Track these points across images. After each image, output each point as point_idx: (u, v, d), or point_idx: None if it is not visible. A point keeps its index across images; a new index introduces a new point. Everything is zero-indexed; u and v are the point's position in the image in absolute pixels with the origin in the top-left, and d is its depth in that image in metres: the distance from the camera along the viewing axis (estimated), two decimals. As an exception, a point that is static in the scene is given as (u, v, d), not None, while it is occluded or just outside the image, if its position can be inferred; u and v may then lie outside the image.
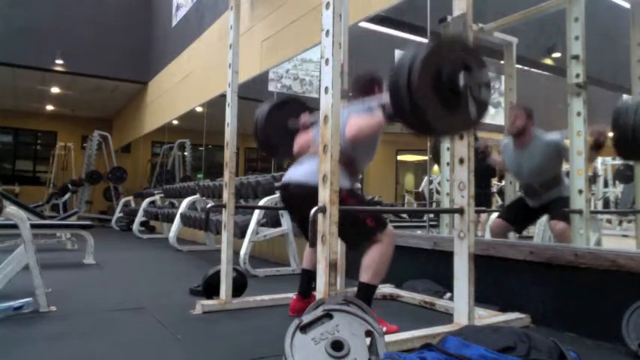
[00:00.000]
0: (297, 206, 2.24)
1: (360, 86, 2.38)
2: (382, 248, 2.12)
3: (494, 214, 4.25)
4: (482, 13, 3.78)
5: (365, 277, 2.11)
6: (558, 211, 2.94)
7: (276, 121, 2.66)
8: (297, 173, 2.24)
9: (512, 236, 3.39)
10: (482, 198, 4.60)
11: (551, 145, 3.04)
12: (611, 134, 2.53)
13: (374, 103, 2.18)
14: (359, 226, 2.11)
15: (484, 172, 4.25)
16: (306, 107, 2.74)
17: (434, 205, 5.61)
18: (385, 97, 2.09)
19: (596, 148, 2.84)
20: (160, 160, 10.76)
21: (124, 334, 2.15)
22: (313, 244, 1.74)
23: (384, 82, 2.36)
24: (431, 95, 1.62)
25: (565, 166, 3.12)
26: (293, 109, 2.68)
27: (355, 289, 2.18)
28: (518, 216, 3.27)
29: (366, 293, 2.10)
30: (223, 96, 2.76)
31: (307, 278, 2.47)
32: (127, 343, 2.03)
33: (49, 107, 11.91)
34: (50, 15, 8.62)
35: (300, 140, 2.48)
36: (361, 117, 2.10)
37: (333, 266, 1.68)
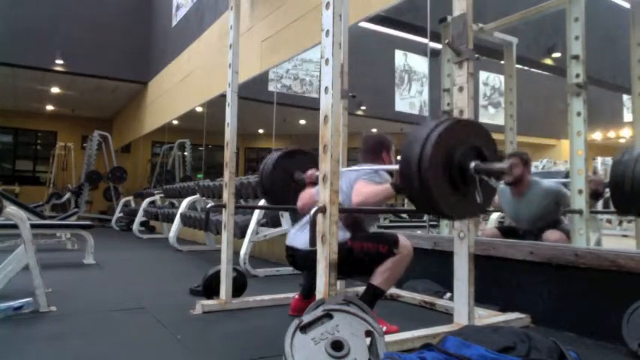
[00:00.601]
0: (304, 267, 2.34)
1: (368, 148, 2.40)
2: (399, 259, 2.13)
3: (494, 215, 4.25)
4: (482, 13, 3.78)
5: (377, 280, 2.11)
6: (552, 223, 2.94)
7: (283, 171, 2.67)
8: (299, 241, 2.24)
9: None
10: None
11: (549, 193, 3.04)
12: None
13: (383, 172, 2.21)
14: (376, 257, 2.12)
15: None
16: (314, 160, 2.75)
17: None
18: (394, 166, 2.14)
19: (594, 197, 2.85)
20: (160, 160, 10.76)
21: (124, 334, 2.15)
22: (313, 244, 1.74)
23: (391, 146, 2.41)
24: (440, 176, 1.61)
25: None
26: (301, 161, 2.69)
27: (355, 289, 2.18)
28: (515, 232, 3.23)
29: (373, 295, 2.10)
30: (223, 96, 2.76)
31: (312, 278, 2.46)
32: (126, 343, 2.03)
33: (49, 107, 11.92)
34: (50, 15, 8.62)
35: (304, 197, 2.48)
36: (369, 185, 2.12)
37: (333, 266, 1.68)
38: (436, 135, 1.59)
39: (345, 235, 2.11)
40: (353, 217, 2.23)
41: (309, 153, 2.79)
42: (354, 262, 2.08)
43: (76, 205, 9.55)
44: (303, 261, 2.21)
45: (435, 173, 1.59)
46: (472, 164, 1.63)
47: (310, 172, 2.57)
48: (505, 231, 3.32)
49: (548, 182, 3.10)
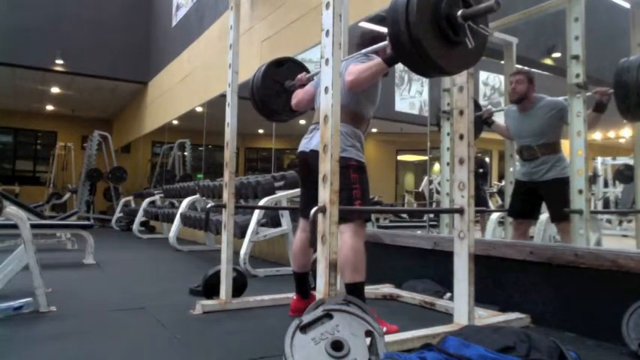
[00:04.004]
0: (310, 173, 2.21)
1: (365, 42, 2.37)
2: (352, 241, 2.07)
3: (494, 215, 4.25)
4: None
5: (347, 277, 2.07)
6: (558, 210, 2.90)
7: (273, 82, 2.66)
8: (312, 144, 2.24)
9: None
10: (475, 200, 4.60)
11: (554, 105, 3.00)
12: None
13: (371, 49, 2.19)
14: (346, 200, 2.05)
15: (475, 175, 4.25)
16: (303, 68, 2.77)
17: (434, 205, 5.61)
18: (384, 42, 2.09)
19: (598, 109, 2.79)
20: (160, 160, 10.76)
21: (124, 334, 2.15)
22: (313, 244, 1.74)
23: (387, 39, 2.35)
24: (430, 29, 1.61)
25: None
26: (290, 70, 2.69)
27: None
28: (523, 205, 3.17)
29: (356, 291, 2.04)
30: (223, 96, 2.76)
31: (300, 280, 2.46)
32: (126, 343, 2.02)
33: (49, 107, 11.92)
34: (50, 15, 8.62)
35: (298, 94, 2.51)
36: (359, 63, 2.09)
37: (333, 266, 1.68)
38: None
39: (352, 151, 2.13)
40: (353, 109, 2.17)
41: (298, 61, 2.82)
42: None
43: (87, 204, 9.62)
44: (311, 160, 2.18)
45: (424, 27, 1.59)
46: (459, 11, 1.64)
47: (300, 75, 2.59)
48: (514, 209, 3.24)
49: (553, 98, 3.07)
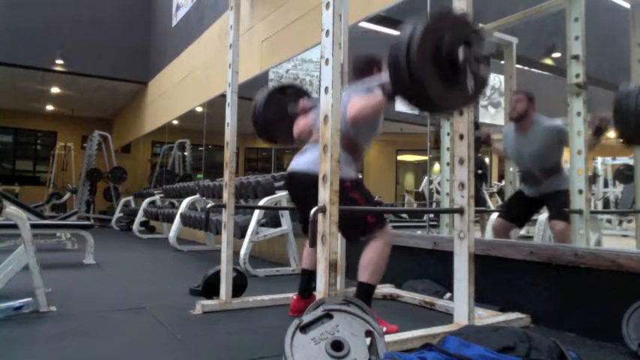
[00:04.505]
0: (302, 195, 2.25)
1: (359, 68, 2.37)
2: (380, 246, 2.12)
3: (494, 215, 4.24)
4: (482, 13, 3.78)
5: (364, 276, 2.11)
6: (558, 210, 2.93)
7: (275, 107, 2.65)
8: (301, 162, 2.25)
9: (514, 235, 3.38)
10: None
11: (552, 130, 3.01)
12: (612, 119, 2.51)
13: (373, 84, 2.17)
14: (359, 221, 2.11)
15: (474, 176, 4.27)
16: (305, 93, 2.75)
17: (434, 205, 5.61)
18: (385, 76, 2.10)
19: (597, 133, 2.82)
20: (160, 160, 10.76)
21: (124, 334, 2.15)
22: (313, 244, 1.74)
23: (382, 64, 2.34)
24: (430, 69, 1.62)
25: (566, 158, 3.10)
26: (292, 95, 2.68)
27: (355, 289, 2.18)
28: (519, 211, 3.24)
29: (366, 293, 2.10)
30: (223, 96, 2.76)
31: (307, 278, 2.47)
32: (126, 343, 2.02)
33: (49, 107, 11.92)
34: (50, 15, 8.62)
35: (299, 124, 2.49)
36: (362, 97, 2.10)
37: (333, 266, 1.68)
38: (421, 28, 1.60)
39: (348, 172, 2.11)
40: (349, 138, 2.17)
41: (302, 88, 2.79)
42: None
43: (87, 203, 9.61)
44: (300, 182, 2.19)
45: (425, 64, 1.59)
46: (461, 52, 1.64)
47: (303, 102, 2.57)
48: (507, 211, 3.31)
49: (552, 120, 3.08)
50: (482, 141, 3.34)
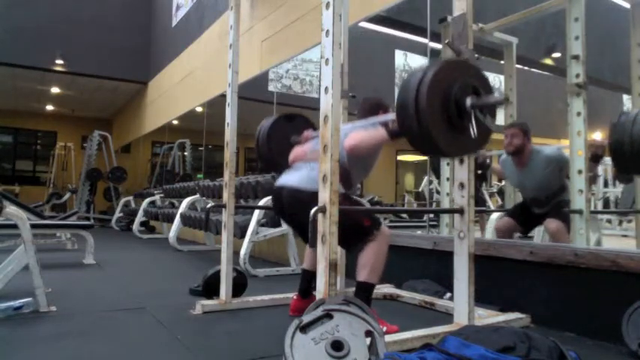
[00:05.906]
0: (291, 211, 2.22)
1: (366, 108, 2.39)
2: (377, 246, 2.12)
3: (494, 215, 4.24)
4: (482, 13, 3.78)
5: (363, 275, 2.11)
6: (554, 210, 2.95)
7: (279, 136, 2.63)
8: (291, 179, 2.22)
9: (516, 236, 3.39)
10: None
11: (552, 160, 3.06)
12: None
13: (378, 121, 2.19)
14: (357, 227, 2.11)
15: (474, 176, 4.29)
16: (310, 124, 2.71)
17: (434, 205, 5.61)
18: (391, 115, 2.11)
19: (594, 160, 2.88)
20: (160, 160, 10.76)
21: (124, 334, 2.15)
22: (313, 244, 1.74)
23: (389, 108, 2.38)
24: (438, 116, 1.63)
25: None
26: (297, 125, 2.65)
27: (354, 289, 2.18)
28: (525, 220, 3.26)
29: (366, 292, 2.10)
30: (223, 96, 2.76)
31: (307, 278, 2.47)
32: (127, 343, 2.02)
33: (49, 107, 11.91)
34: (50, 15, 8.61)
35: (296, 151, 2.47)
36: (364, 131, 2.11)
37: (333, 266, 1.68)
38: (432, 74, 1.60)
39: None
40: (342, 168, 2.14)
41: (307, 117, 2.77)
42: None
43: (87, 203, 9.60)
44: (289, 199, 2.17)
45: (433, 110, 1.60)
46: (468, 99, 1.65)
47: (307, 133, 2.55)
48: (515, 212, 3.33)
49: (549, 149, 3.12)
50: (478, 164, 3.37)
